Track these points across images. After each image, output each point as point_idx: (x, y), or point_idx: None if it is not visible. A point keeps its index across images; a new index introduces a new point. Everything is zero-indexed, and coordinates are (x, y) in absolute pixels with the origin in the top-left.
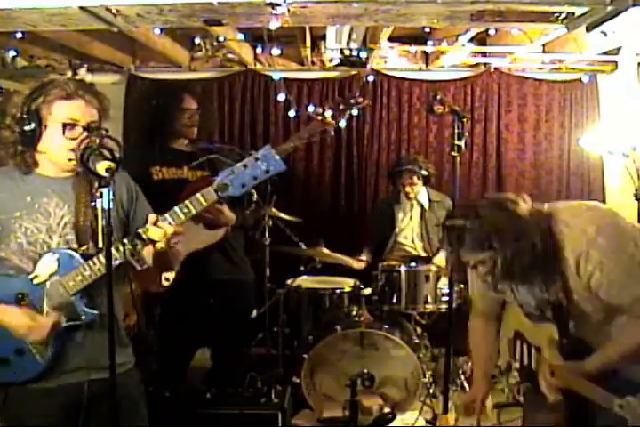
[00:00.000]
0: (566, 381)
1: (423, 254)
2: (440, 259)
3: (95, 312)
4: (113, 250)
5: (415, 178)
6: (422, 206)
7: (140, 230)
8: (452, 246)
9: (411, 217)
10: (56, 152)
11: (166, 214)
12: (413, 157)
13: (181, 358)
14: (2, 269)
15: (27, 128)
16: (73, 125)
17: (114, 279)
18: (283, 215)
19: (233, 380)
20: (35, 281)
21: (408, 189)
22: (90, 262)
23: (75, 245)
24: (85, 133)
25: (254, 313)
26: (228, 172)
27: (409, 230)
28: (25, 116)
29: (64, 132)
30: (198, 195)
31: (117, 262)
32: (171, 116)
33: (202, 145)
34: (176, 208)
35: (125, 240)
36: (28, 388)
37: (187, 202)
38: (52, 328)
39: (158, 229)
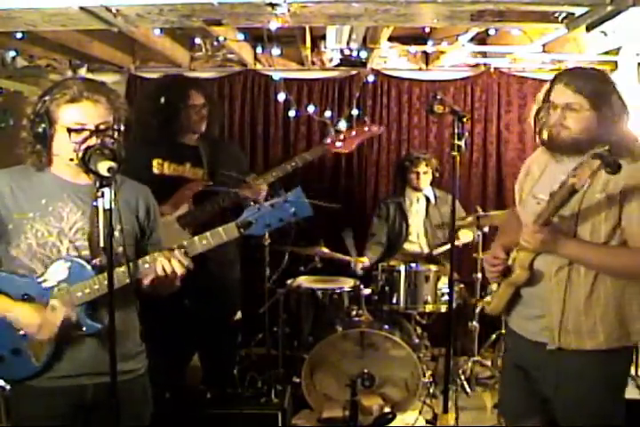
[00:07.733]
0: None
1: (427, 251)
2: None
3: (98, 326)
4: (120, 269)
5: (428, 166)
6: (428, 200)
7: (148, 258)
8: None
9: (417, 212)
10: (64, 155)
11: (185, 242)
12: (423, 152)
13: (173, 360)
14: (12, 267)
15: (39, 130)
16: (80, 129)
17: (128, 292)
18: None
19: (225, 381)
20: (43, 285)
21: (422, 176)
22: (100, 277)
23: (85, 252)
24: (94, 136)
25: (239, 315)
26: (254, 209)
27: (415, 226)
28: (37, 118)
29: (70, 136)
30: (220, 229)
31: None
32: (178, 113)
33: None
34: (195, 239)
35: (132, 264)
36: (29, 389)
37: (207, 234)
38: (60, 325)
39: (168, 266)
